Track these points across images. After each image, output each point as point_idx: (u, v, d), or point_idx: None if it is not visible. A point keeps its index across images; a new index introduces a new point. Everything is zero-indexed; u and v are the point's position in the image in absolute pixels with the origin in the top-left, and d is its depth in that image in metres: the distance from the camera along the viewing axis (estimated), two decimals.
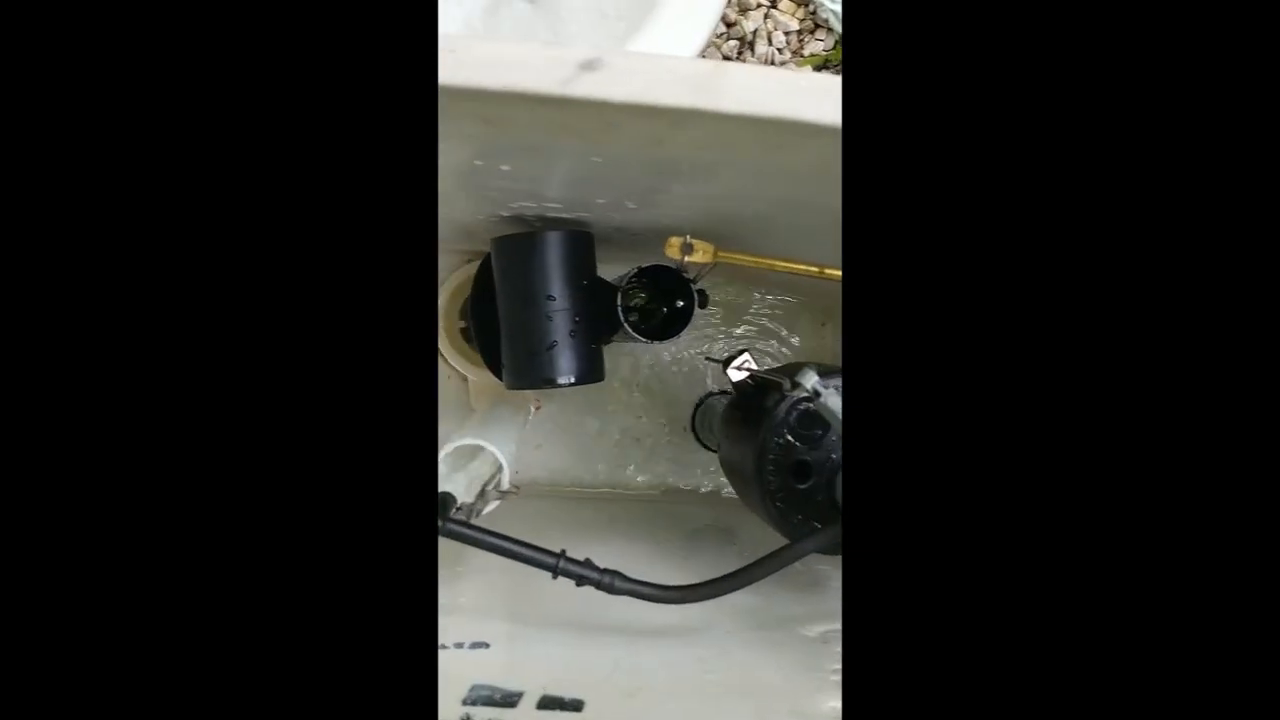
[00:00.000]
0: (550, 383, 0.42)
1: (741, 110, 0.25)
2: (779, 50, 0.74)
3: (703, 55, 0.72)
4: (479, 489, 0.35)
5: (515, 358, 0.43)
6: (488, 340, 0.45)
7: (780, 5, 0.74)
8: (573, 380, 0.42)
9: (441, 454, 0.37)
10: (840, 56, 0.69)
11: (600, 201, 0.39)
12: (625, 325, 0.43)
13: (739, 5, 0.75)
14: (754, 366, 0.37)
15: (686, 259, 0.34)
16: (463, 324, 0.56)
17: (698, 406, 0.60)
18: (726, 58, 0.75)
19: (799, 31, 0.75)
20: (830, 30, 0.70)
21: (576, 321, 0.42)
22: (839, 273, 0.33)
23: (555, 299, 0.42)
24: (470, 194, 0.39)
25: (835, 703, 0.30)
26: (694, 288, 0.44)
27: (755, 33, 0.75)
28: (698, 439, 0.60)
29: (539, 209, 0.41)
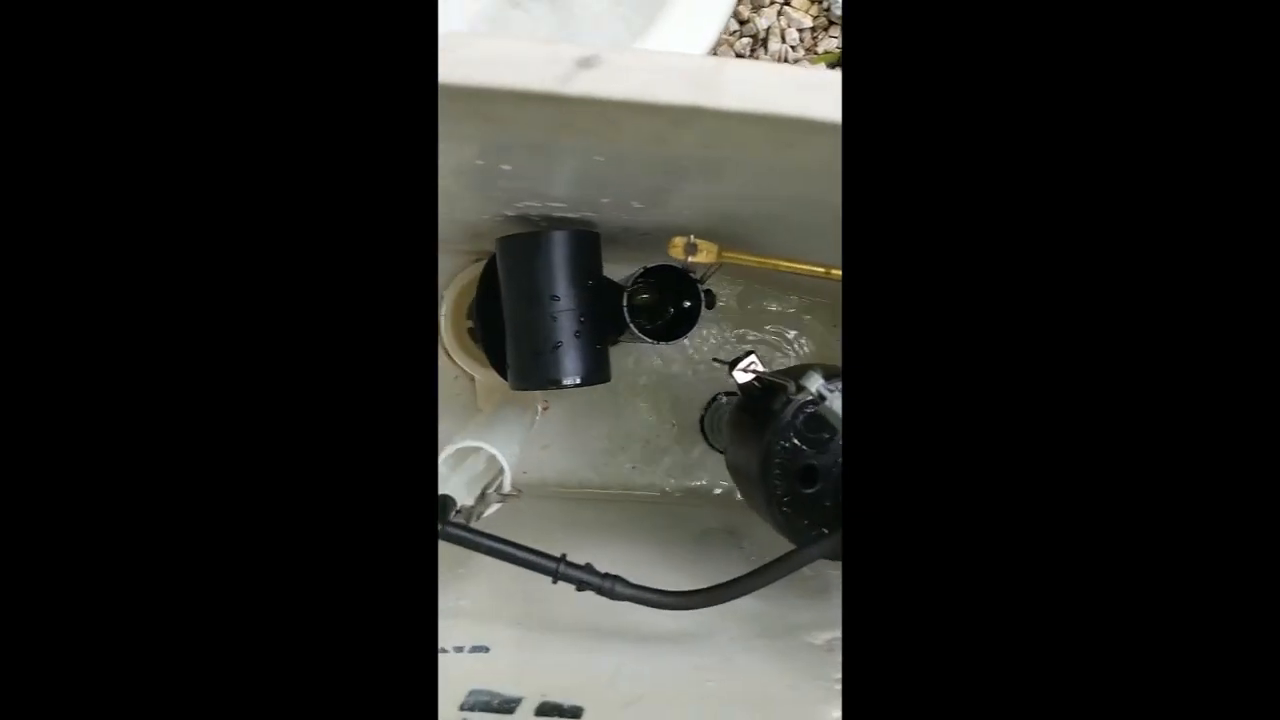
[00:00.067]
0: (555, 384, 0.42)
1: (742, 107, 0.24)
2: (792, 48, 0.73)
3: (714, 53, 0.72)
4: (480, 492, 0.35)
5: (520, 358, 0.43)
6: (493, 340, 0.45)
7: (794, 2, 0.73)
8: (578, 381, 0.42)
9: (442, 456, 0.37)
10: None
11: (605, 201, 0.38)
12: (631, 326, 0.43)
13: (752, 3, 0.74)
14: (760, 368, 0.36)
15: (690, 259, 0.33)
16: (470, 323, 0.55)
17: (707, 408, 0.59)
18: (739, 55, 0.74)
19: (812, 28, 0.74)
20: None
21: (582, 322, 0.42)
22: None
23: (560, 299, 0.41)
24: (474, 194, 0.38)
25: (838, 713, 0.29)
26: (701, 288, 0.44)
27: (768, 30, 0.74)
28: (707, 441, 0.59)
29: (544, 208, 0.41)
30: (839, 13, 0.70)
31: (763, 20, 0.74)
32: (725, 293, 0.59)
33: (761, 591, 0.34)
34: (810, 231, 0.42)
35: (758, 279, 0.59)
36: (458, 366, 0.56)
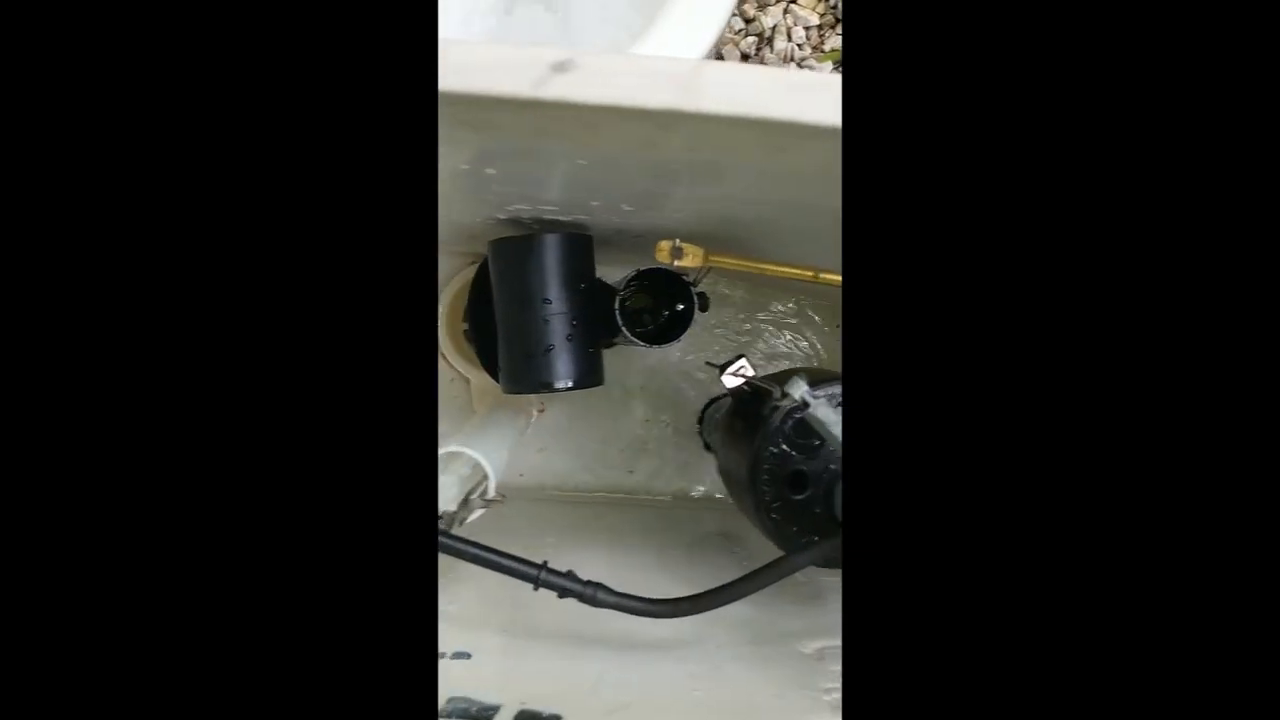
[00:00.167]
0: (547, 387, 0.41)
1: (722, 110, 0.24)
2: (798, 46, 0.73)
3: (719, 52, 0.71)
4: (463, 497, 0.35)
5: (512, 362, 0.42)
6: (485, 343, 0.45)
7: (800, 0, 0.72)
8: (570, 385, 0.41)
9: None
10: None
11: (595, 204, 0.38)
12: (623, 329, 0.43)
13: (758, 1, 0.74)
14: (750, 372, 0.36)
15: (676, 263, 0.33)
16: (465, 326, 0.55)
17: (704, 411, 0.59)
18: (745, 55, 0.73)
19: (819, 26, 0.74)
20: None
21: (574, 325, 0.41)
22: (836, 277, 0.32)
23: (552, 302, 0.41)
24: (465, 196, 0.38)
25: None
26: (694, 291, 0.43)
27: (774, 28, 0.74)
28: (705, 444, 0.59)
29: (535, 211, 0.41)
30: None
31: (769, 19, 0.73)
32: (726, 294, 0.59)
33: (753, 598, 0.33)
34: (806, 235, 0.42)
35: (759, 281, 0.58)
36: (453, 369, 0.56)
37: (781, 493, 0.35)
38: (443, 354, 0.56)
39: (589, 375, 0.42)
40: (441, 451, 0.37)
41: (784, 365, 0.60)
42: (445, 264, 0.56)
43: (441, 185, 0.34)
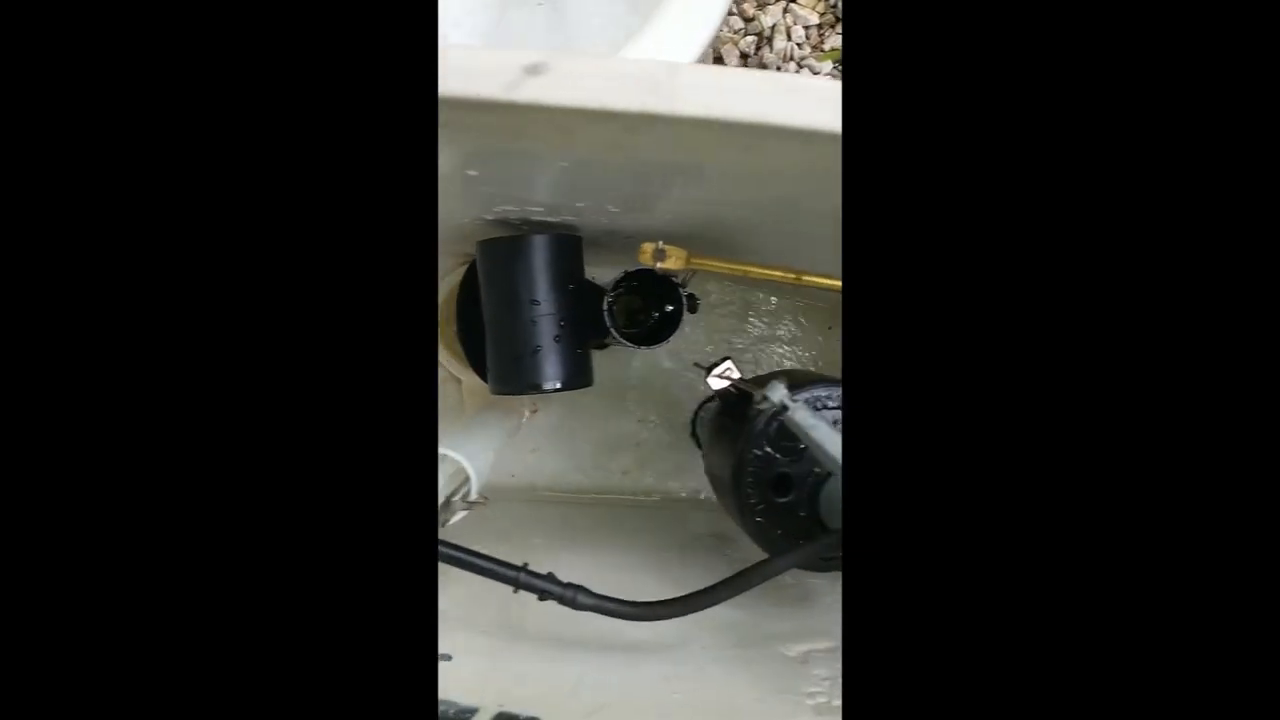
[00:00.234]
0: (535, 388, 0.41)
1: (692, 112, 0.24)
2: (798, 45, 0.73)
3: (718, 52, 0.71)
4: (444, 499, 0.35)
5: (499, 362, 0.42)
6: (474, 344, 0.45)
7: None
8: (558, 386, 0.41)
9: None
10: None
11: (580, 205, 0.38)
12: (612, 330, 0.43)
13: (758, 0, 0.73)
14: (735, 374, 0.36)
15: (659, 265, 0.33)
16: (454, 327, 0.55)
17: (698, 411, 0.58)
18: (744, 54, 0.73)
19: (819, 25, 0.73)
20: None
21: (562, 326, 0.41)
22: (818, 279, 0.32)
23: (540, 303, 0.41)
24: (450, 198, 0.38)
25: None
26: (683, 292, 0.43)
27: (774, 28, 0.73)
28: (698, 445, 0.59)
29: (522, 212, 0.41)
30: None
31: (768, 18, 0.73)
32: (720, 295, 0.59)
33: (739, 600, 0.33)
34: (796, 237, 0.41)
35: (752, 282, 0.58)
36: (444, 369, 0.56)
37: (766, 495, 0.35)
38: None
39: (577, 376, 0.42)
40: None
41: (776, 367, 0.60)
42: (440, 263, 0.56)
43: None
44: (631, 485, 0.58)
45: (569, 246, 0.42)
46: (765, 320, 0.60)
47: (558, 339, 0.41)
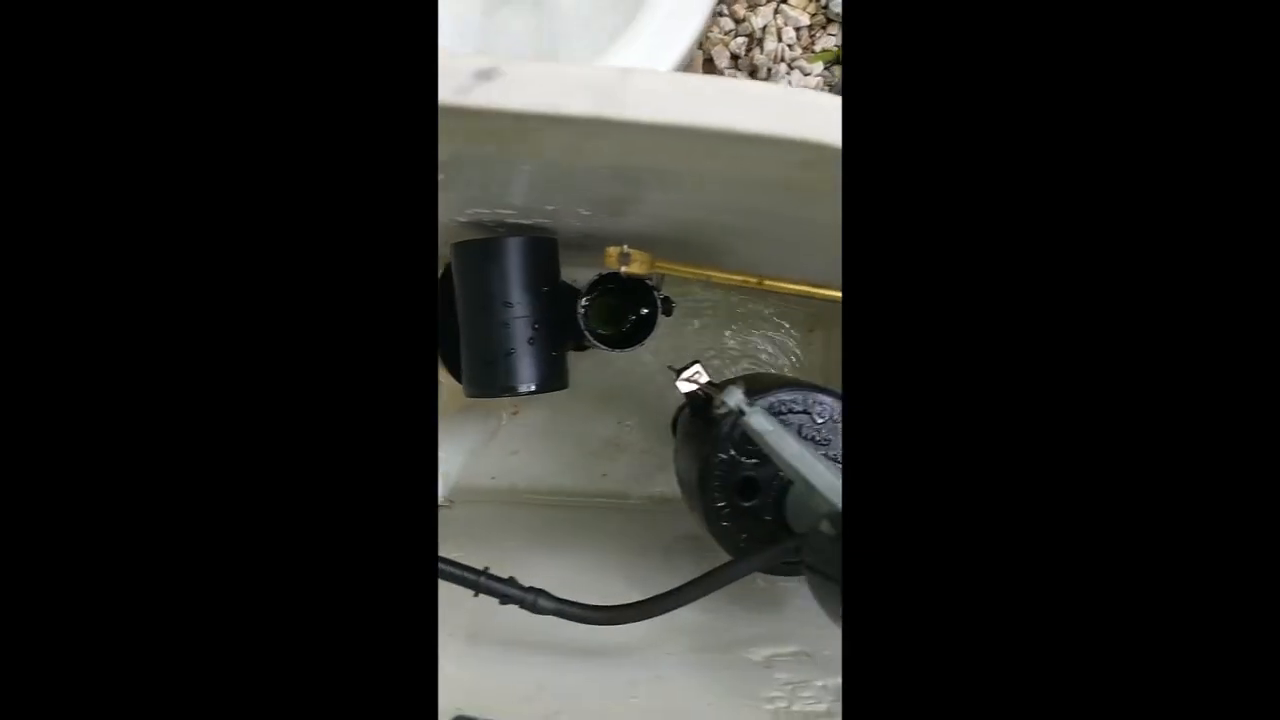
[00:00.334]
0: (510, 391, 0.41)
1: (644, 118, 0.24)
2: (789, 46, 0.72)
3: (707, 53, 0.71)
4: None
5: (473, 365, 0.42)
6: (449, 346, 0.45)
7: (791, 0, 0.72)
8: (533, 388, 0.41)
9: None
10: None
11: (550, 209, 0.38)
12: (586, 333, 0.43)
13: (748, 1, 0.73)
14: (704, 378, 0.36)
15: (624, 269, 0.33)
16: None
17: (677, 414, 0.58)
18: (734, 55, 0.73)
19: (810, 27, 0.73)
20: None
21: (536, 329, 0.42)
22: (781, 284, 0.32)
23: (513, 305, 0.41)
24: None
25: None
26: (658, 295, 0.43)
27: (764, 29, 0.73)
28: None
29: (494, 215, 0.41)
30: (838, 10, 0.68)
31: (759, 19, 0.73)
32: (703, 298, 0.59)
33: (706, 604, 0.33)
34: (779, 244, 0.41)
35: (734, 285, 0.58)
36: None
37: (731, 499, 0.35)
38: None
39: (553, 379, 0.42)
40: None
41: (759, 370, 0.60)
42: None
43: None
44: (611, 488, 0.58)
45: (543, 249, 0.42)
46: (747, 323, 0.60)
47: (531, 341, 0.41)
